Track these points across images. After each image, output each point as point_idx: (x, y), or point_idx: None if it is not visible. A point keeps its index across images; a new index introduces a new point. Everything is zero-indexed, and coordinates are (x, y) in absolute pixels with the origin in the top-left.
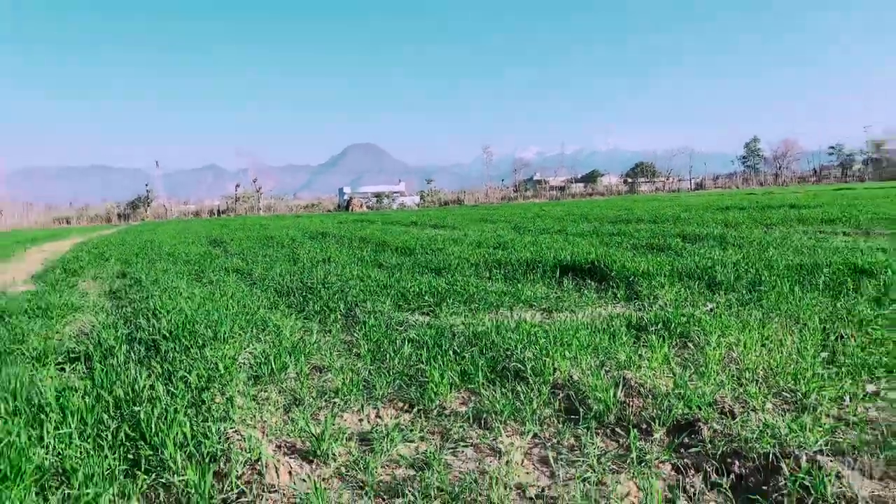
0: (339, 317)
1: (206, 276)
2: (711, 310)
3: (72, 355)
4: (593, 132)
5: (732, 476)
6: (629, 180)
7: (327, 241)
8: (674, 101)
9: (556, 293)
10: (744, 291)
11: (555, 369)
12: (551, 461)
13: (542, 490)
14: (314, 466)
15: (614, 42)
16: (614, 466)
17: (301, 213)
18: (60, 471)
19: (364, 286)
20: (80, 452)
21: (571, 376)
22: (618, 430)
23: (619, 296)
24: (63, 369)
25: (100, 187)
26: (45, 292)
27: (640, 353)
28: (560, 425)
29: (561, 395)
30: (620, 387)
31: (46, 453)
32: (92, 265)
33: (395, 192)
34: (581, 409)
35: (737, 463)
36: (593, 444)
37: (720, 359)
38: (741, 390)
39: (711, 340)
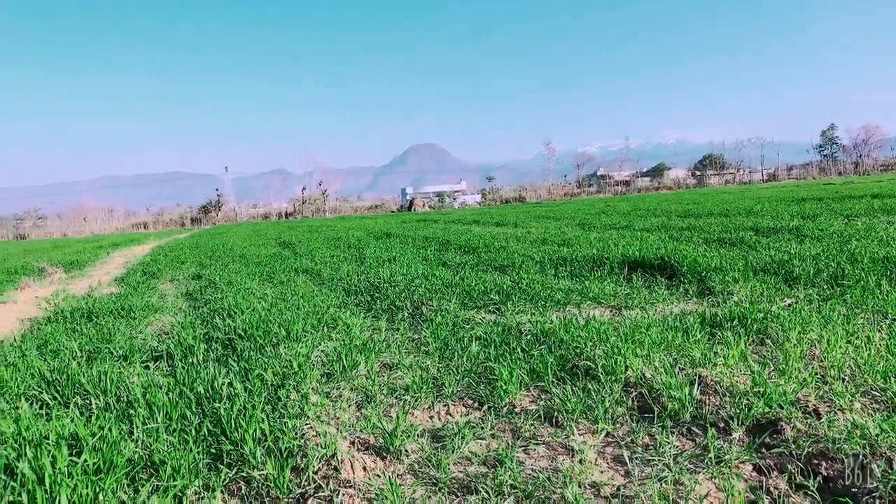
0: (406, 315)
1: (276, 277)
2: (790, 305)
3: (155, 354)
4: (658, 125)
5: (819, 478)
6: (697, 173)
7: (391, 240)
8: (743, 90)
9: (624, 290)
10: (825, 286)
11: (626, 367)
12: (626, 460)
13: (618, 489)
14: (387, 463)
15: (680, 32)
16: (691, 466)
17: (365, 213)
18: (149, 463)
19: (429, 285)
20: (167, 446)
21: (644, 374)
22: (694, 429)
23: (690, 292)
24: (147, 367)
25: (173, 193)
26: (128, 294)
27: (715, 350)
28: (634, 424)
29: (633, 393)
30: (696, 385)
31: (136, 447)
32: (169, 268)
33: (457, 191)
34: (655, 408)
35: (823, 464)
36: (669, 443)
37: (802, 356)
38: (826, 389)
39: (791, 337)
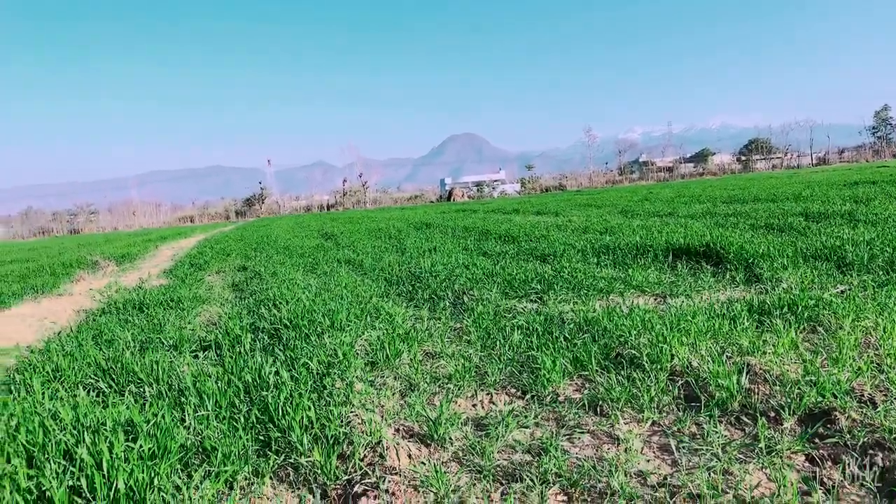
0: (447, 304)
1: (319, 268)
2: (843, 292)
3: (203, 344)
4: (702, 109)
5: (875, 468)
6: (743, 158)
7: (431, 231)
8: (791, 72)
9: (669, 278)
10: (880, 272)
11: (672, 356)
12: (673, 449)
13: (665, 478)
14: (432, 450)
15: (725, 16)
16: (741, 456)
17: (405, 204)
18: (201, 450)
19: (470, 274)
20: (217, 433)
21: (690, 363)
22: (743, 418)
23: (737, 279)
24: (197, 356)
25: (218, 187)
26: (177, 286)
27: (763, 338)
28: (680, 413)
29: (679, 382)
30: (744, 373)
31: (188, 433)
32: (215, 260)
33: (496, 181)
34: (702, 397)
35: (880, 455)
36: (717, 432)
37: (856, 344)
38: (882, 378)
39: (845, 324)
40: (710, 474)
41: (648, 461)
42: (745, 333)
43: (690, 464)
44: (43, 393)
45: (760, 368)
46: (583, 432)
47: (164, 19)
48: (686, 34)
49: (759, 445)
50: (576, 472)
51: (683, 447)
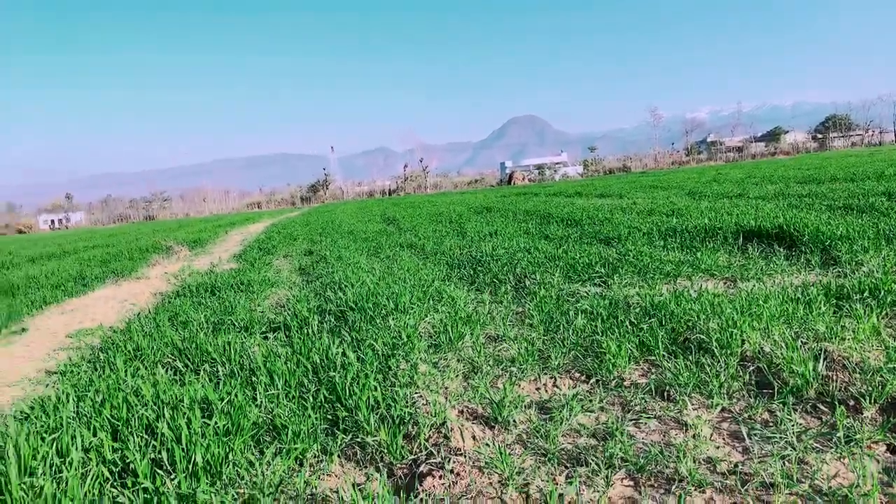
0: (508, 288)
1: (382, 252)
2: None
3: (273, 325)
4: (773, 86)
5: None
6: (818, 136)
7: (492, 214)
8: (871, 43)
9: (739, 261)
10: None
11: (743, 341)
12: (744, 436)
13: (735, 466)
14: (496, 432)
15: None
16: (817, 445)
17: (465, 189)
18: (271, 427)
19: (532, 258)
20: (287, 412)
21: (762, 348)
22: (819, 406)
23: (812, 262)
24: (266, 337)
25: (283, 173)
26: (246, 270)
27: (842, 323)
28: (751, 399)
29: (751, 367)
30: (821, 359)
31: (259, 411)
32: (282, 245)
33: (558, 163)
34: (775, 383)
35: None
36: (791, 420)
37: None
38: None
39: None
40: (783, 463)
41: (718, 448)
42: (822, 318)
43: (763, 452)
44: (125, 370)
45: (838, 355)
46: (649, 417)
47: (230, 10)
48: (756, 7)
49: (837, 434)
50: (642, 457)
51: (755, 434)
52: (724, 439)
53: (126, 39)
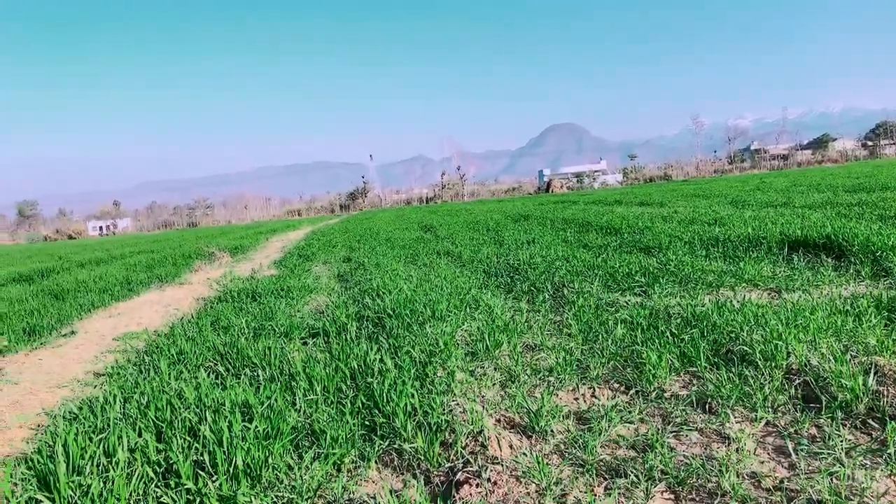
0: (546, 297)
1: (419, 259)
2: None
3: (312, 331)
4: (820, 92)
5: None
6: (869, 143)
7: (529, 223)
8: None
9: (784, 271)
10: None
11: (789, 353)
12: (790, 451)
13: (781, 481)
14: (533, 442)
15: None
16: (867, 462)
17: (502, 197)
18: (310, 432)
19: (570, 267)
20: (326, 417)
21: (808, 361)
22: (870, 421)
23: (862, 273)
24: (306, 343)
25: (323, 181)
26: (286, 276)
27: (894, 337)
28: (797, 413)
29: (796, 381)
30: (871, 374)
31: (298, 416)
32: (321, 251)
33: (597, 171)
34: (822, 398)
35: None
36: (840, 435)
37: None
38: None
39: None
40: (831, 480)
41: (762, 463)
42: (873, 331)
43: (810, 468)
44: (169, 374)
45: (890, 369)
46: (690, 430)
47: (269, 19)
48: (802, 9)
49: (888, 451)
50: (683, 471)
51: (801, 450)
52: (768, 454)
53: (178, 50)
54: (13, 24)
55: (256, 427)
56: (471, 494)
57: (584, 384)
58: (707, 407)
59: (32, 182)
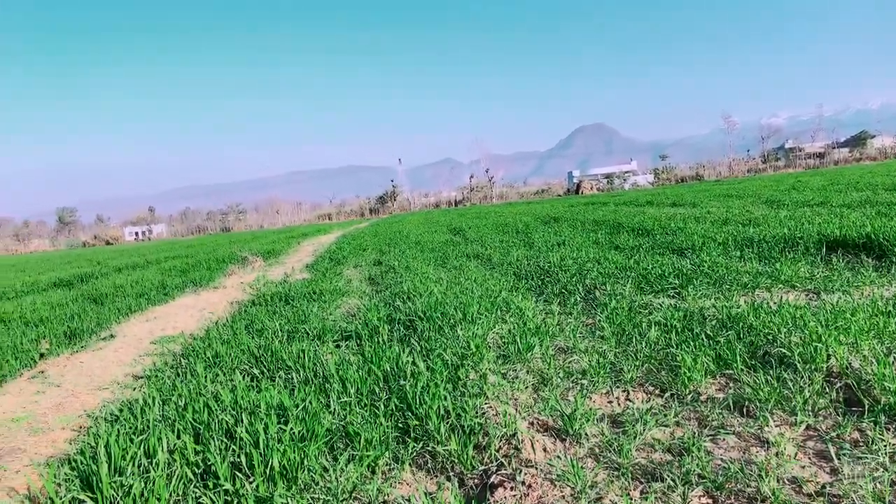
0: (578, 299)
1: (449, 262)
2: None
3: (344, 334)
4: (858, 88)
5: None
6: None
7: (559, 224)
8: None
9: (822, 272)
10: None
11: (829, 356)
12: (832, 455)
13: (823, 487)
14: (567, 445)
15: None
16: None
17: (531, 199)
18: (344, 434)
19: (601, 269)
20: (360, 419)
21: (850, 364)
22: None
23: None
24: (338, 346)
25: (352, 185)
26: (318, 280)
27: None
28: (839, 417)
29: (837, 384)
30: None
31: (332, 418)
32: (352, 255)
33: (627, 172)
34: (865, 401)
35: None
36: (883, 440)
37: None
38: None
39: None
40: (875, 485)
41: (803, 467)
42: None
43: (853, 472)
44: (205, 376)
45: None
46: (727, 433)
47: (296, 26)
48: (836, 5)
49: None
50: (721, 475)
51: (844, 454)
52: (809, 458)
53: (210, 59)
54: (45, 35)
55: (292, 429)
56: (505, 497)
57: (617, 387)
58: (745, 410)
59: (70, 188)
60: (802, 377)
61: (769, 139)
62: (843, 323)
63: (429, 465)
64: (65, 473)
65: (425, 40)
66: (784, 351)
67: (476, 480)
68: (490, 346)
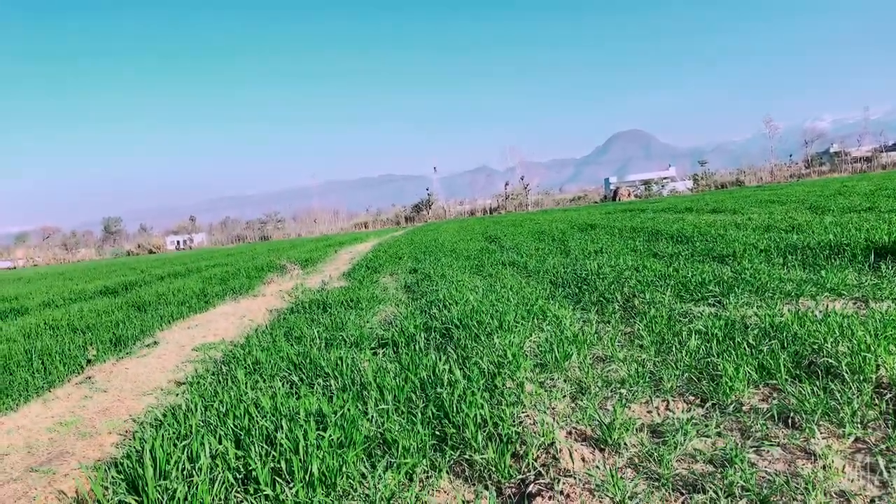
0: (616, 308)
1: (485, 270)
2: None
3: (381, 341)
4: None
5: None
6: None
7: (596, 232)
8: None
9: (871, 280)
10: None
11: (878, 366)
12: (881, 469)
13: (872, 501)
14: (606, 455)
15: None
16: None
17: (567, 206)
18: (382, 441)
19: (640, 276)
20: (397, 426)
21: None
22: None
23: None
24: (376, 353)
25: (388, 194)
26: (355, 287)
27: None
28: (889, 430)
29: (888, 395)
30: None
31: (370, 425)
32: (388, 263)
33: (665, 178)
34: None
35: None
36: None
37: None
38: None
39: None
40: None
41: (852, 481)
42: None
43: None
44: (245, 383)
45: None
46: (772, 445)
47: (328, 46)
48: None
49: None
50: (766, 487)
51: (894, 467)
52: (857, 472)
53: (250, 78)
54: (96, 54)
55: (330, 436)
56: None
57: (657, 396)
58: (789, 422)
59: (116, 198)
60: (850, 388)
61: (813, 143)
62: (894, 332)
63: (466, 473)
64: (112, 477)
65: (460, 49)
66: (831, 361)
67: (513, 489)
68: (527, 355)
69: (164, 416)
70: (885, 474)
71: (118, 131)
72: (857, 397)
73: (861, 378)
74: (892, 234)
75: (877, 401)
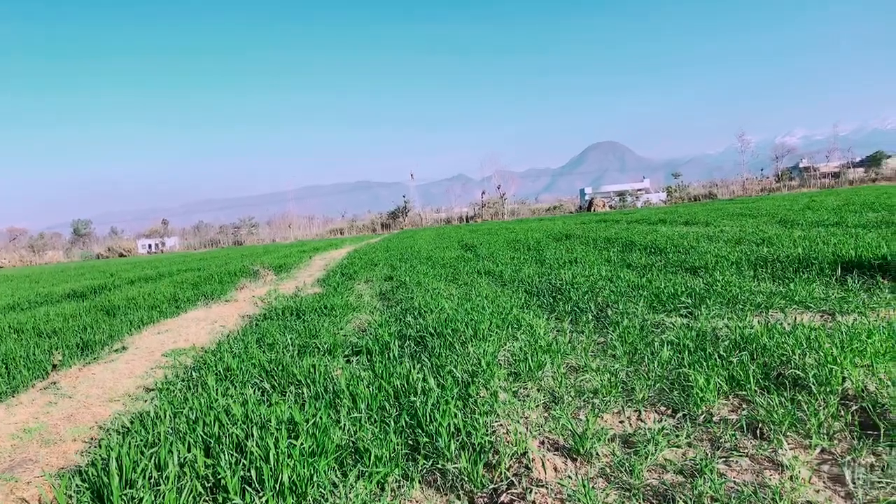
0: (590, 318)
1: (460, 278)
2: None
3: (355, 349)
4: (874, 108)
5: None
6: None
7: (571, 242)
8: None
9: (837, 293)
10: None
11: (844, 378)
12: (847, 480)
13: None
14: (578, 464)
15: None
16: None
17: (543, 215)
18: (354, 450)
19: (614, 287)
20: (370, 435)
21: (865, 386)
22: None
23: None
24: (349, 361)
25: (365, 201)
26: (329, 294)
27: None
28: (854, 441)
29: (853, 407)
30: None
31: (343, 434)
32: (363, 270)
33: (639, 190)
34: (881, 425)
35: None
36: None
37: None
38: None
39: None
40: None
41: (818, 491)
42: None
43: (868, 497)
44: (216, 389)
45: None
46: (741, 455)
47: (314, 48)
48: (854, 20)
49: None
50: (734, 497)
51: (859, 478)
52: (824, 482)
53: (230, 81)
54: (64, 50)
55: (302, 444)
56: None
57: (629, 406)
58: (758, 432)
59: (87, 201)
60: (817, 399)
61: (783, 158)
62: (859, 345)
63: (438, 482)
64: (76, 485)
65: (438, 58)
66: (798, 373)
67: (486, 499)
68: (501, 364)
69: (132, 422)
70: (851, 485)
71: (93, 133)
72: (824, 409)
73: (828, 390)
74: (858, 248)
75: (842, 412)
